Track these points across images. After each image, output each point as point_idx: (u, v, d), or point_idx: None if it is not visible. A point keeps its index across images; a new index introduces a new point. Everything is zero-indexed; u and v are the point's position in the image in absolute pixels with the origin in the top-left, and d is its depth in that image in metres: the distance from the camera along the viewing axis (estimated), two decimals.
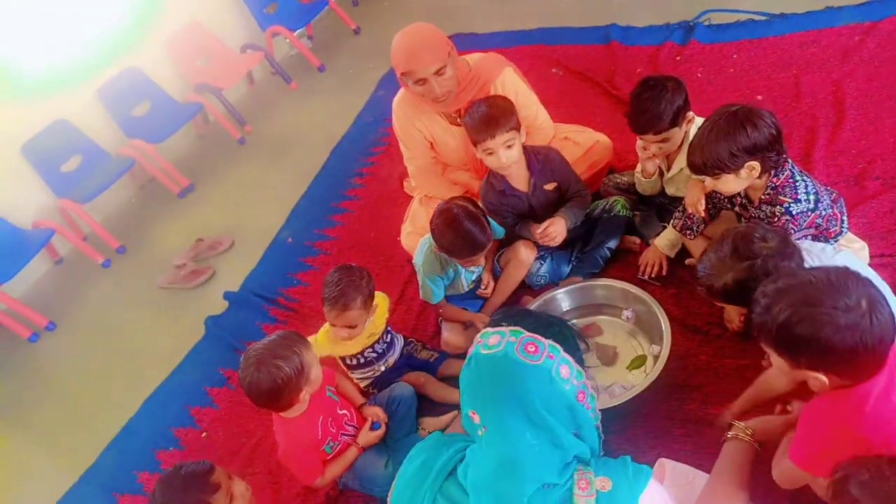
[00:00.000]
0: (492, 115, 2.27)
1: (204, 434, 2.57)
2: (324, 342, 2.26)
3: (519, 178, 2.45)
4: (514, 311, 1.27)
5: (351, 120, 4.12)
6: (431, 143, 2.74)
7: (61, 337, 3.41)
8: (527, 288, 2.54)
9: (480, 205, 2.39)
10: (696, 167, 1.92)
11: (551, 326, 1.20)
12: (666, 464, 1.71)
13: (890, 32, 3.04)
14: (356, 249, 3.13)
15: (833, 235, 2.05)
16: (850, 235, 2.21)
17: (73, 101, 3.95)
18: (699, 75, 3.22)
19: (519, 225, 2.51)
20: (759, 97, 2.95)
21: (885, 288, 1.80)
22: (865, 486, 1.15)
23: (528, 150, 2.42)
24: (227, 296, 3.11)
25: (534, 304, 2.35)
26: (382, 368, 2.32)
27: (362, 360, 2.30)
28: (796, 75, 3.01)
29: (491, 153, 2.31)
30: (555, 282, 2.48)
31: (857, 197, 2.39)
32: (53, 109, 3.86)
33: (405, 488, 1.21)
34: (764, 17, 3.39)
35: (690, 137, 2.27)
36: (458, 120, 2.63)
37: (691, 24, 3.54)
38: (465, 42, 3.86)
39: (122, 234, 3.90)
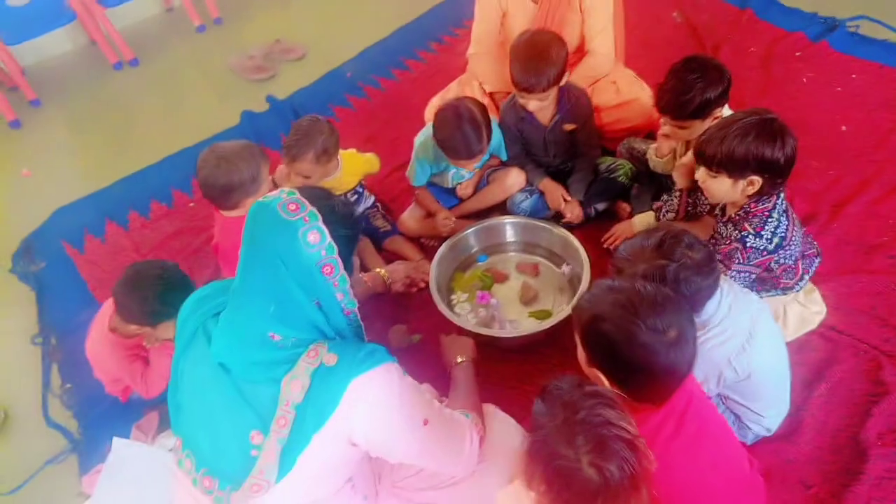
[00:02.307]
0: (535, 68, 2.18)
1: (192, 204, 2.90)
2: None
3: (543, 113, 2.40)
4: (317, 190, 1.29)
5: None
6: (504, 15, 2.67)
7: (138, 74, 3.81)
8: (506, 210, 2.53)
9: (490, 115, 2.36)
10: (705, 157, 1.78)
11: (333, 208, 1.21)
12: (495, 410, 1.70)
13: None
14: (392, 108, 3.22)
15: (781, 287, 1.95)
16: (815, 297, 2.10)
17: None
18: (804, 80, 2.91)
19: (534, 171, 2.50)
20: (844, 128, 2.67)
21: (785, 360, 1.75)
22: (545, 398, 1.19)
23: (562, 88, 2.33)
24: (269, 99, 3.34)
25: (478, 226, 2.40)
26: None
27: None
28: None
29: (523, 97, 2.28)
30: (533, 217, 2.46)
31: (856, 266, 2.21)
32: None
33: (185, 309, 1.33)
34: None
35: None
36: None
37: (836, 23, 3.14)
38: None
39: (225, 7, 4.13)
